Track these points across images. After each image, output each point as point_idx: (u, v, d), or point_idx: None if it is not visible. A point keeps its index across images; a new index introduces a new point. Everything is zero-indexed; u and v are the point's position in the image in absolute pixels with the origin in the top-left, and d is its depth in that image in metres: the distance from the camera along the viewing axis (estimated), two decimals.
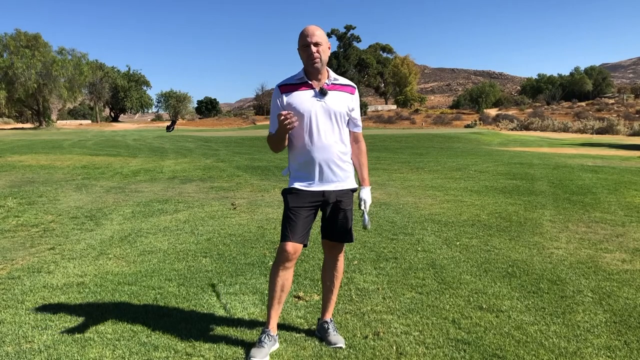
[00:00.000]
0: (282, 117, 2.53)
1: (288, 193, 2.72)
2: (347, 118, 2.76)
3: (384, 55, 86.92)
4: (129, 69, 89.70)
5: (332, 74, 2.74)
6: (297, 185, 2.71)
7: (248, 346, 2.75)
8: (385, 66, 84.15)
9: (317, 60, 2.61)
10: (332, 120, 2.68)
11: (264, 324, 2.79)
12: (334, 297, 2.93)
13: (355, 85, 2.83)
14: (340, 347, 2.73)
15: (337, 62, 72.44)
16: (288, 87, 2.69)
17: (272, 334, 2.70)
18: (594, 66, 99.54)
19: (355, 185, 2.83)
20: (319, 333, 2.87)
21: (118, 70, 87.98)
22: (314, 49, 2.60)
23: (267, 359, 2.59)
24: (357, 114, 2.82)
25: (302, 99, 2.65)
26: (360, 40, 75.57)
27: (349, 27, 73.12)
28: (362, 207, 2.80)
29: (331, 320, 2.90)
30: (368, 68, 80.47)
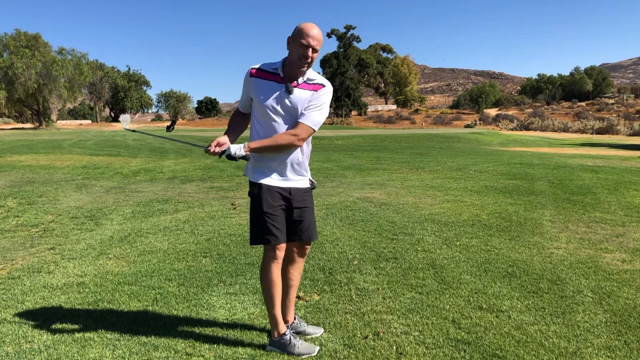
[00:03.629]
0: (212, 151, 2.55)
1: (259, 191, 2.65)
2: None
3: (384, 55, 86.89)
4: (129, 69, 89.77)
5: (309, 74, 2.62)
6: (268, 181, 2.65)
7: (248, 346, 2.76)
8: (385, 66, 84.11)
9: (306, 65, 2.54)
10: (293, 119, 2.60)
11: (273, 329, 2.75)
12: (293, 298, 2.96)
13: (325, 84, 2.66)
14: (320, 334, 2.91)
15: (337, 62, 72.36)
16: (261, 72, 2.61)
17: (290, 331, 2.77)
18: (594, 66, 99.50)
19: (308, 185, 2.79)
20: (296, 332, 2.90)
21: (118, 70, 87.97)
22: (310, 53, 2.51)
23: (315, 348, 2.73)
24: (310, 108, 2.61)
25: (269, 90, 2.58)
26: (360, 40, 75.40)
27: (349, 27, 72.99)
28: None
29: (296, 317, 2.97)
30: (368, 68, 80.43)
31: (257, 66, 2.64)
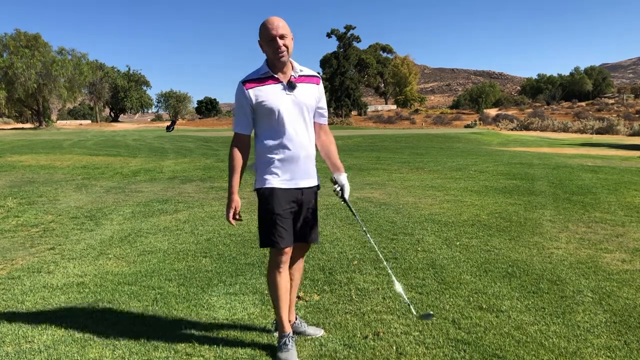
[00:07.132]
0: (232, 221, 2.62)
1: (270, 194, 2.60)
2: (314, 110, 2.70)
3: (384, 55, 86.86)
4: (129, 69, 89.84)
5: (297, 65, 2.62)
6: (278, 183, 2.60)
7: (248, 346, 2.76)
8: (385, 66, 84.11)
9: (284, 53, 2.50)
10: (303, 114, 2.60)
11: (274, 329, 2.76)
12: (293, 298, 2.92)
13: (319, 75, 2.74)
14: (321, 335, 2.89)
15: (337, 62, 72.35)
16: (253, 82, 2.54)
17: (291, 335, 2.70)
18: (594, 66, 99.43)
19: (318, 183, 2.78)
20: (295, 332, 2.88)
21: (118, 70, 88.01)
22: (280, 42, 2.48)
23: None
24: (323, 104, 2.74)
25: (271, 93, 2.54)
26: (360, 40, 75.37)
27: (349, 27, 72.97)
28: (345, 196, 2.71)
29: (297, 318, 2.96)
30: (368, 68, 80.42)
31: (245, 79, 2.56)
